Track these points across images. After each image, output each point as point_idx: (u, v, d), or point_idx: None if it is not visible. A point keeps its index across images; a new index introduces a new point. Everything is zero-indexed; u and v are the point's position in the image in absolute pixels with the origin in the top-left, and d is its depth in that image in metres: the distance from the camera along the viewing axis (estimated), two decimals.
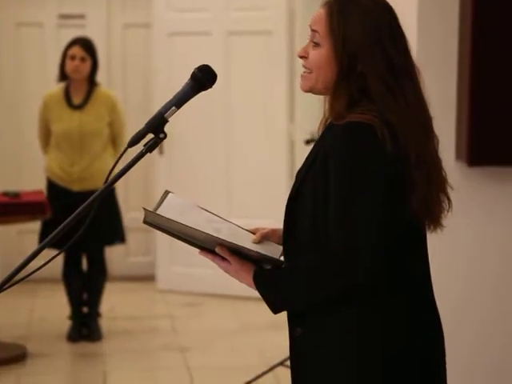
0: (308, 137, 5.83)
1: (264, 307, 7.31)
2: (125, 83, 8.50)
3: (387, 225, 2.37)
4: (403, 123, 2.41)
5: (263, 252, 2.51)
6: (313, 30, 2.53)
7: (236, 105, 7.47)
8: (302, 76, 2.55)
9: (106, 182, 2.53)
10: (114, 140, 6.77)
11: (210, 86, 2.56)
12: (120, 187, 6.93)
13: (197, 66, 2.57)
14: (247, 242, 2.53)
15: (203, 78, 2.56)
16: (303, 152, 7.23)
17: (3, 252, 8.07)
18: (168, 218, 2.50)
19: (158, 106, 7.90)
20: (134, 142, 2.52)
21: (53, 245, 6.36)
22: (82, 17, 8.54)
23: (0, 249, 7.72)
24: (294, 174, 7.75)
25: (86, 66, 6.59)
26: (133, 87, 8.52)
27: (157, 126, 2.52)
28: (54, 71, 6.97)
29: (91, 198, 2.52)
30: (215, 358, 6.31)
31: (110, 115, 6.66)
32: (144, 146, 2.52)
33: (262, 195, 7.67)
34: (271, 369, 5.67)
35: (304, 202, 2.49)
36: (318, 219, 2.43)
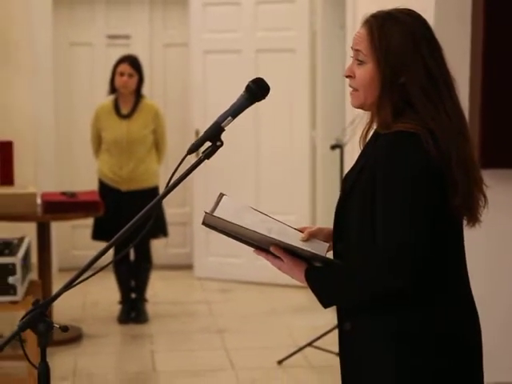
0: (332, 142, 5.70)
1: (290, 293, 7.27)
2: (165, 95, 8.43)
3: (432, 226, 2.26)
4: (444, 129, 2.31)
5: (312, 250, 2.38)
6: (356, 50, 2.41)
7: (264, 113, 7.37)
8: (351, 94, 2.44)
9: (167, 185, 2.38)
10: (156, 145, 6.71)
11: (263, 98, 2.43)
12: (161, 186, 6.82)
13: (252, 79, 2.43)
14: (296, 240, 2.41)
15: (257, 90, 2.42)
16: (324, 156, 7.17)
17: (58, 244, 8.03)
18: (225, 220, 2.38)
19: (195, 115, 7.92)
20: (192, 149, 2.39)
21: (106, 239, 6.33)
22: (127, 37, 8.47)
23: (56, 241, 7.63)
24: (316, 175, 7.68)
25: (133, 81, 6.53)
26: (172, 99, 8.45)
27: (214, 135, 2.40)
28: (102, 85, 6.94)
29: (155, 201, 2.39)
30: (249, 338, 6.19)
31: (153, 123, 6.61)
32: (202, 153, 2.39)
33: (286, 194, 7.60)
34: (300, 349, 5.57)
35: (352, 206, 2.37)
36: (365, 223, 2.32)
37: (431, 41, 2.39)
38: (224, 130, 2.41)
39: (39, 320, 2.32)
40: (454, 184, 2.30)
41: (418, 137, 2.28)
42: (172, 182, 2.40)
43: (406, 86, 2.34)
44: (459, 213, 2.35)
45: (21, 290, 5.11)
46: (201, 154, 2.40)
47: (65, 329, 2.54)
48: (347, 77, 2.44)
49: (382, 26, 2.37)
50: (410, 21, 2.38)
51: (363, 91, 2.39)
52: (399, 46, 2.34)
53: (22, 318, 2.35)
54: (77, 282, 2.35)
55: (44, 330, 2.32)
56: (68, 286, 2.34)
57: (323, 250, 2.44)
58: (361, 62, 2.39)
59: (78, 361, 5.70)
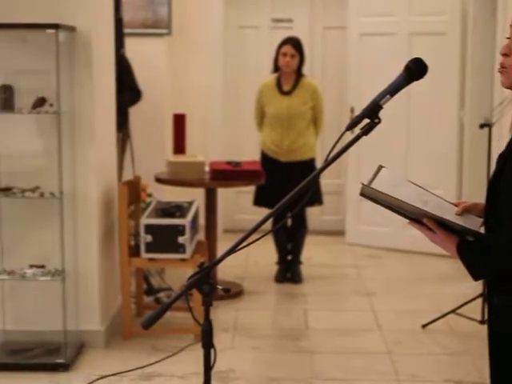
0: (481, 121, 5.44)
1: (436, 262, 7.05)
2: (323, 74, 8.30)
3: None
4: None
5: (465, 224, 2.23)
6: None
7: (416, 93, 7.13)
8: (502, 73, 2.21)
9: (326, 159, 2.27)
10: (314, 120, 6.60)
11: (421, 77, 2.28)
12: (318, 159, 6.73)
13: (410, 59, 2.28)
14: (450, 214, 2.26)
15: (416, 70, 2.28)
16: (473, 135, 6.89)
17: (224, 208, 8.07)
18: (382, 192, 2.26)
19: (350, 94, 7.76)
20: (351, 125, 2.27)
21: (266, 205, 6.31)
22: (289, 20, 8.38)
23: (221, 205, 7.66)
24: (463, 152, 7.40)
25: (295, 61, 6.44)
26: (330, 78, 8.31)
27: (372, 112, 2.27)
28: (267, 64, 6.86)
29: (315, 173, 2.30)
30: (395, 302, 6.04)
31: (312, 100, 6.49)
32: (360, 129, 2.26)
33: (434, 169, 7.36)
34: (444, 315, 5.39)
35: (504, 183, 2.19)
36: None
37: None
38: (382, 108, 2.27)
39: (204, 281, 2.27)
40: None
41: None
42: (330, 156, 2.28)
43: None
44: None
45: (189, 249, 5.15)
46: (359, 131, 2.27)
47: (226, 291, 2.49)
48: (503, 55, 2.24)
49: None
50: None
51: None
52: None
53: (189, 278, 2.30)
54: (240, 246, 2.29)
55: (208, 291, 2.27)
56: (232, 250, 2.28)
57: (476, 224, 2.28)
58: None
59: (238, 315, 5.70)
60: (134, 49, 7.07)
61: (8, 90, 4.62)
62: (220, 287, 2.33)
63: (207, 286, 2.26)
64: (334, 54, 8.34)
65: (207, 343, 2.31)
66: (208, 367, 2.33)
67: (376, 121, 2.27)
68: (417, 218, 2.31)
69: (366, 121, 2.27)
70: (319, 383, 4.49)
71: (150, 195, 6.53)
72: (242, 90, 8.28)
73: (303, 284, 6.52)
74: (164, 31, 7.64)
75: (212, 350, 2.31)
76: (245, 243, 2.28)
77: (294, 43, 6.48)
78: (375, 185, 2.30)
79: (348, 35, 7.84)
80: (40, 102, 4.64)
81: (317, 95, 6.56)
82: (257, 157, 6.70)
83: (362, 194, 2.37)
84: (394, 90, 2.29)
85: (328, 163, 2.30)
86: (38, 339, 4.90)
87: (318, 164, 6.58)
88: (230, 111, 8.29)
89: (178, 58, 7.94)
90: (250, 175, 5.98)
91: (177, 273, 6.44)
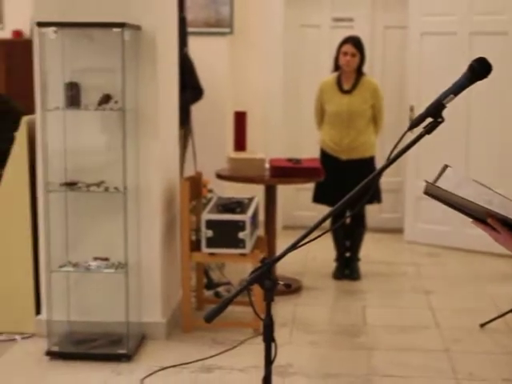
0: None
1: (496, 261, 6.95)
2: (384, 73, 8.23)
3: None
4: None
5: None
6: None
7: (476, 93, 7.01)
8: None
9: (388, 158, 2.25)
10: (374, 119, 6.55)
11: (485, 77, 2.25)
12: (377, 157, 6.68)
13: (474, 59, 2.25)
14: None
15: (480, 70, 2.24)
16: None
17: (283, 204, 8.06)
18: (446, 191, 2.22)
19: (410, 93, 7.67)
20: (414, 125, 2.24)
21: (325, 202, 6.30)
22: (350, 19, 8.33)
23: (281, 202, 7.65)
24: None
25: (355, 60, 6.40)
26: (390, 77, 8.24)
27: (435, 111, 2.24)
28: (327, 63, 6.83)
29: (376, 173, 2.27)
30: (453, 300, 5.97)
31: (372, 98, 6.45)
32: (423, 128, 2.24)
33: (495, 169, 7.25)
34: (503, 315, 5.31)
35: None
36: None
37: None
38: (445, 107, 2.24)
39: (266, 277, 2.27)
40: None
41: None
42: (393, 154, 2.26)
43: None
44: None
45: (249, 244, 5.16)
46: (420, 130, 2.25)
47: (287, 286, 2.49)
48: None
49: None
50: None
51: None
52: None
53: (251, 273, 2.31)
54: (301, 243, 2.29)
55: (269, 286, 2.27)
56: (293, 247, 2.27)
57: None
58: None
59: (297, 310, 5.70)
60: (197, 47, 7.12)
61: (75, 87, 4.69)
62: (281, 282, 2.34)
63: (269, 281, 2.27)
64: (395, 53, 8.27)
65: (268, 338, 2.31)
66: (269, 361, 2.33)
67: (439, 120, 2.25)
68: (481, 217, 2.28)
69: (429, 120, 2.25)
70: (376, 380, 4.47)
71: (210, 191, 6.57)
72: (302, 88, 8.26)
73: (361, 281, 6.48)
74: (226, 30, 7.67)
75: (273, 345, 2.32)
76: (306, 240, 2.28)
77: (355, 42, 6.44)
78: (440, 183, 2.28)
79: (409, 34, 7.76)
80: (105, 99, 4.69)
81: (377, 94, 6.51)
82: (316, 154, 6.67)
83: (426, 193, 2.34)
84: (457, 89, 2.26)
85: (391, 162, 2.28)
86: (101, 330, 4.96)
87: (378, 162, 6.53)
88: (289, 109, 8.28)
89: (239, 57, 7.96)
90: (310, 172, 5.97)
91: (236, 267, 6.46)
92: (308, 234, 2.28)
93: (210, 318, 2.28)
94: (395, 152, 2.26)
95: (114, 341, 4.84)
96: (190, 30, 6.90)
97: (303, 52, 8.38)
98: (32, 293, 5.15)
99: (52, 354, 4.73)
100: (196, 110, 6.79)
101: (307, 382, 4.43)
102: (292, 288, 6.02)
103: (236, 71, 7.97)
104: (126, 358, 4.69)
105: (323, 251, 6.98)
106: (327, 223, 6.41)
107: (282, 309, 5.65)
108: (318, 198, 6.56)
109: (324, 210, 6.30)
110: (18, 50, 7.76)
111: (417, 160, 7.57)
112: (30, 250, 5.11)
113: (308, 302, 5.91)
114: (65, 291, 4.96)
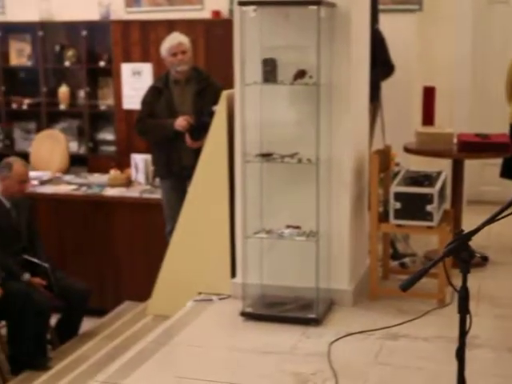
0: None
1: None
2: None
3: None
4: None
5: None
6: None
7: None
8: None
9: None
10: None
11: None
12: None
13: None
14: None
15: None
16: None
17: (469, 179, 7.79)
18: None
19: None
20: None
21: None
22: None
23: (467, 176, 7.41)
24: None
25: None
26: None
27: None
28: None
29: None
30: None
31: None
32: None
33: None
34: None
35: None
36: None
37: None
38: None
39: (463, 248, 2.21)
40: None
41: None
42: None
43: None
44: None
45: (436, 218, 5.05)
46: None
47: (484, 259, 2.42)
48: None
49: None
50: None
51: None
52: None
53: (447, 246, 2.25)
54: (499, 216, 2.21)
55: (466, 257, 2.21)
56: (491, 220, 2.20)
57: None
58: None
59: (482, 283, 5.51)
60: (386, 24, 7.00)
61: (271, 63, 4.72)
62: (478, 255, 2.26)
63: (466, 252, 2.21)
64: None
65: (463, 309, 2.26)
66: (463, 332, 2.28)
67: None
68: None
69: None
70: None
71: (397, 164, 6.47)
72: (490, 64, 7.95)
73: None
74: (415, 7, 7.51)
75: (468, 316, 2.26)
76: (504, 213, 2.19)
77: None
78: None
79: None
80: (300, 74, 4.70)
81: None
82: (505, 130, 6.40)
83: None
84: None
85: None
86: (291, 294, 5.02)
87: None
88: (478, 84, 8.00)
89: (427, 33, 7.76)
90: (499, 147, 5.74)
91: (420, 239, 6.34)
92: (507, 207, 2.19)
93: (406, 287, 2.26)
94: None
95: (303, 305, 4.89)
96: (380, 7, 6.80)
97: (492, 28, 8.06)
98: (228, 257, 5.28)
99: (246, 315, 4.84)
100: (385, 85, 6.69)
101: (492, 354, 4.28)
102: (476, 259, 5.83)
103: (424, 47, 7.78)
104: (315, 322, 4.72)
105: (509, 226, 6.71)
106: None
107: (468, 282, 5.48)
108: (506, 173, 6.31)
109: (510, 185, 6.04)
110: (217, 29, 7.92)
111: None
112: (227, 216, 5.24)
113: (493, 275, 5.69)
114: (259, 256, 5.05)
